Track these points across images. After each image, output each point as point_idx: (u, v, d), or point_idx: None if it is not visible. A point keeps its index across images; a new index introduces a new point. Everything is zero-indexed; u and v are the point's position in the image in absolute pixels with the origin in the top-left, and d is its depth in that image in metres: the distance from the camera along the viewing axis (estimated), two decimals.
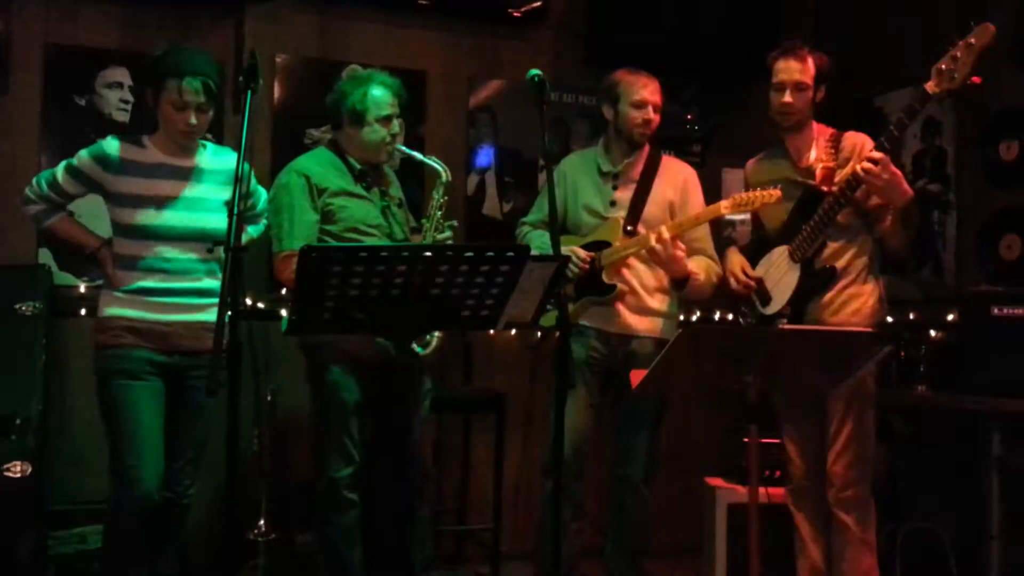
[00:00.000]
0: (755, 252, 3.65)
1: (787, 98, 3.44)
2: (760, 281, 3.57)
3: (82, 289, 4.12)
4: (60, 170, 3.24)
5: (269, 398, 4.06)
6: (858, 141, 3.48)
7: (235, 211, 2.61)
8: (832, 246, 3.44)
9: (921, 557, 4.01)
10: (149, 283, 3.18)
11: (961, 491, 4.02)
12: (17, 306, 3.74)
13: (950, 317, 4.27)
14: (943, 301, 4.33)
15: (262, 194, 3.53)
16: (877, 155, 3.20)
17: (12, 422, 3.52)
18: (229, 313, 2.56)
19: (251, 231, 3.51)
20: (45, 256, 4.07)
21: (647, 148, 3.78)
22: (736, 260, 3.65)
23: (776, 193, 3.46)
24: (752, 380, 2.78)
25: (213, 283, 3.23)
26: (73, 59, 4.24)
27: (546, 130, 3.04)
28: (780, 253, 3.53)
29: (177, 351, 3.20)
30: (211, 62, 3.22)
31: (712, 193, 4.11)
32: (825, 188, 3.39)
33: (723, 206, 3.52)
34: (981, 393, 3.80)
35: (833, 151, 3.46)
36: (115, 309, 3.19)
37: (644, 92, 3.66)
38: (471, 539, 4.71)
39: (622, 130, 3.72)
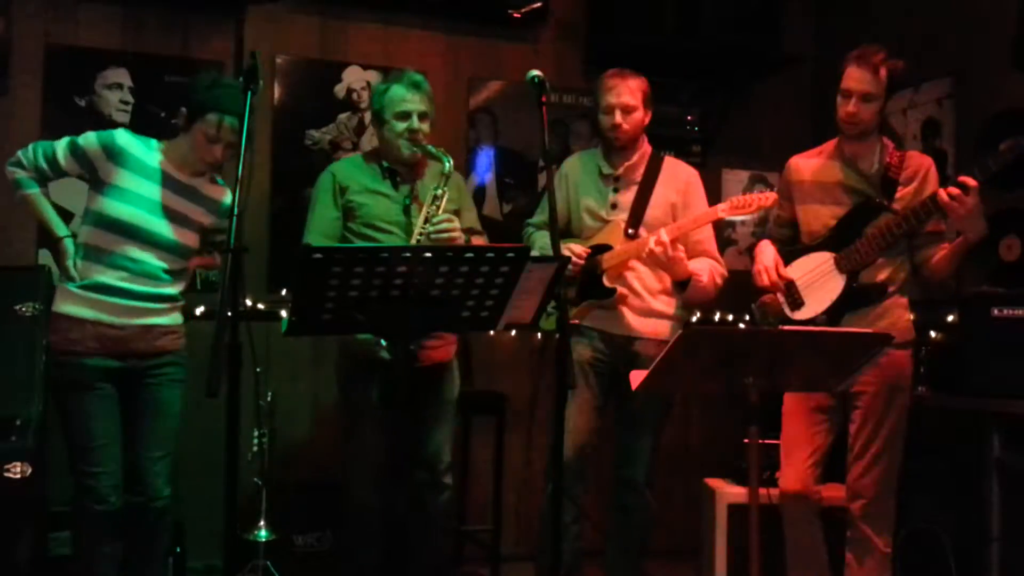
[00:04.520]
0: (787, 251, 3.57)
1: (851, 107, 3.32)
2: (792, 283, 3.50)
3: None
4: (62, 146, 3.23)
5: (269, 399, 4.06)
6: (924, 163, 3.42)
7: (234, 212, 2.61)
8: (876, 261, 3.39)
9: (921, 559, 4.01)
10: (110, 280, 3.18)
11: (961, 493, 4.01)
12: (17, 307, 3.73)
13: (950, 318, 4.26)
14: (943, 302, 4.33)
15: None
16: (971, 183, 3.14)
17: (12, 423, 3.52)
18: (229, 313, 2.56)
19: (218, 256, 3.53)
20: (45, 257, 4.07)
21: (648, 150, 3.77)
22: (770, 255, 3.54)
23: (772, 196, 3.45)
24: (752, 381, 2.78)
25: (174, 290, 3.31)
26: (73, 59, 4.24)
27: (546, 131, 3.03)
28: (823, 260, 3.44)
29: (131, 355, 3.22)
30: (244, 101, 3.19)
31: (712, 194, 4.11)
32: (886, 203, 3.34)
33: (720, 209, 3.50)
34: (981, 394, 3.79)
35: (896, 166, 3.39)
36: (70, 307, 3.19)
37: (609, 96, 3.64)
38: (471, 540, 4.70)
39: (602, 135, 3.74)
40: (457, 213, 3.51)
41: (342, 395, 3.63)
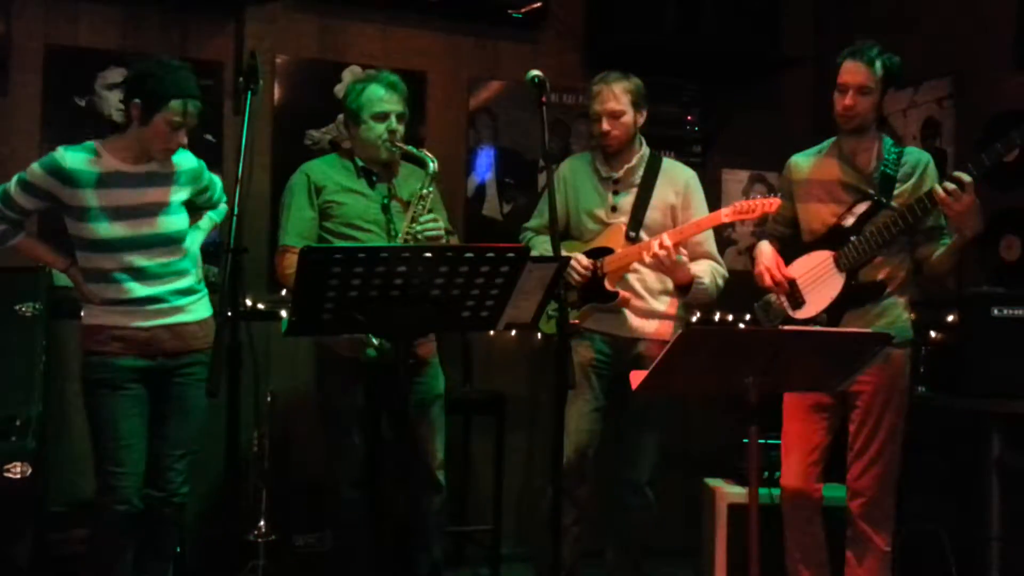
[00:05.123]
0: (787, 250, 3.58)
1: (848, 101, 3.34)
2: (793, 282, 3.50)
3: None
4: (13, 186, 3.16)
5: (269, 398, 4.06)
6: (922, 159, 3.42)
7: (235, 212, 2.61)
8: (876, 259, 3.39)
9: (921, 559, 4.01)
10: (123, 294, 3.17)
11: (961, 492, 4.01)
12: (17, 307, 3.73)
13: (950, 318, 4.26)
14: (943, 302, 4.33)
15: (217, 182, 3.52)
16: (966, 178, 3.13)
17: (12, 423, 3.52)
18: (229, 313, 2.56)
19: (212, 215, 3.52)
20: None
21: (647, 152, 3.77)
22: (770, 254, 3.55)
23: (776, 202, 3.45)
24: (752, 381, 2.78)
25: (188, 281, 3.27)
26: (73, 60, 4.24)
27: (546, 131, 3.03)
28: (823, 258, 3.44)
29: (160, 354, 3.22)
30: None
31: (712, 194, 4.11)
32: (884, 200, 3.34)
33: (724, 214, 3.50)
34: (981, 394, 3.79)
35: (895, 162, 3.39)
36: (98, 319, 3.20)
37: (594, 104, 3.68)
38: (471, 540, 4.70)
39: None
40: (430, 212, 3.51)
41: (322, 397, 3.61)
